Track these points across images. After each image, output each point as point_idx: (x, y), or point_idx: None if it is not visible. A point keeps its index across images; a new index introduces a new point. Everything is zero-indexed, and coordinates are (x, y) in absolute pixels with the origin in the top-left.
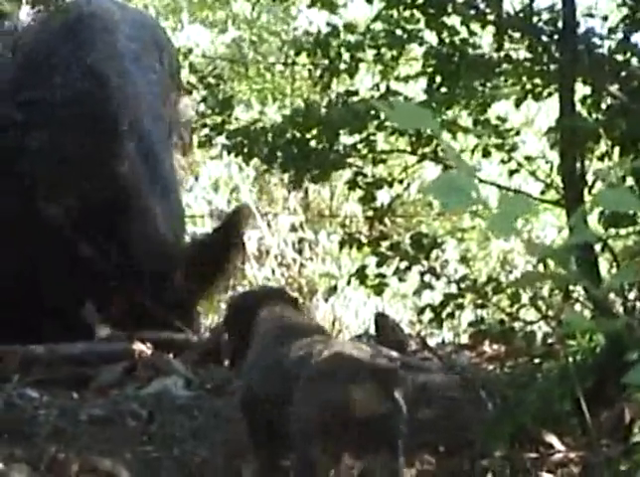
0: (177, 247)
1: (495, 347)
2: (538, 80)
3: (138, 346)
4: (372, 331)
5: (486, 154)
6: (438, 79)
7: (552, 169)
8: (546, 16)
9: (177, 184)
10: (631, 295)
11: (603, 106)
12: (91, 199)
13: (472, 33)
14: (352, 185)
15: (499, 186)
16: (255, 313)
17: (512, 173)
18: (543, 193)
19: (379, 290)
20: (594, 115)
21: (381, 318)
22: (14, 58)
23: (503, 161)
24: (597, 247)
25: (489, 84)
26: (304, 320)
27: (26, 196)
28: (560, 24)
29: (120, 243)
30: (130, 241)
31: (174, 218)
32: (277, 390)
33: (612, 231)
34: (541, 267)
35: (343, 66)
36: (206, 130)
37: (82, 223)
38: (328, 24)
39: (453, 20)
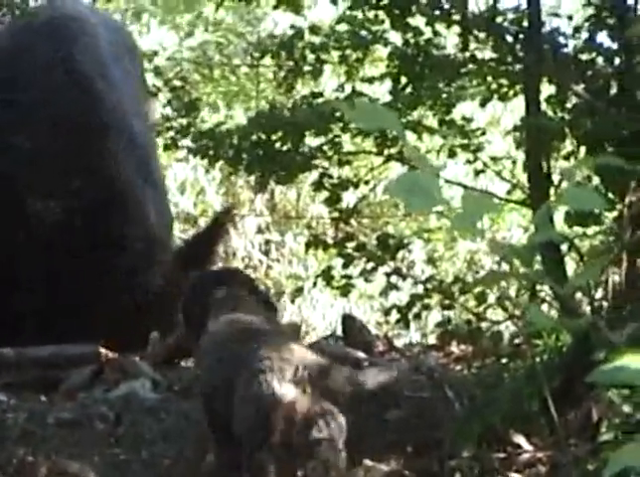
0: (165, 236)
1: (462, 347)
2: (503, 80)
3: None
4: (339, 332)
5: (452, 154)
6: (403, 79)
7: (514, 166)
8: (511, 16)
9: (164, 183)
10: (598, 295)
11: (569, 106)
12: (78, 197)
13: (437, 33)
14: (318, 186)
15: (465, 186)
16: (210, 296)
17: (478, 173)
18: (509, 193)
19: (345, 291)
20: (560, 114)
21: (348, 319)
22: None
23: (469, 161)
24: (564, 247)
25: (454, 85)
26: (258, 315)
27: (8, 195)
28: (525, 24)
29: (108, 238)
30: (120, 236)
31: (164, 214)
32: (223, 387)
33: (578, 230)
34: (507, 267)
35: (307, 67)
36: (171, 133)
37: (68, 221)
38: (292, 26)
39: (418, 21)
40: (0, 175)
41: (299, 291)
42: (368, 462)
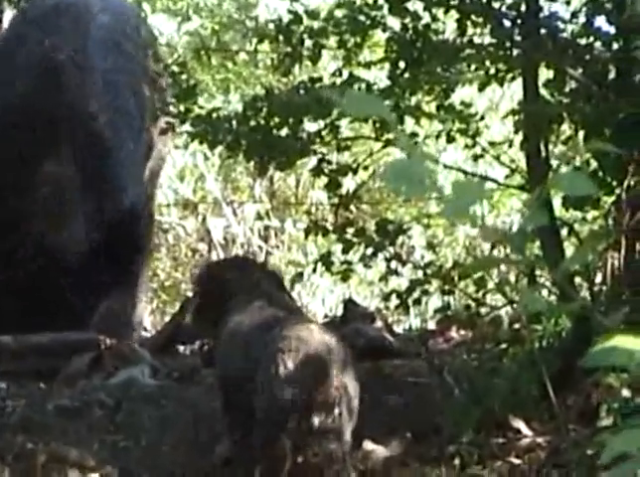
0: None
1: (462, 332)
2: (501, 65)
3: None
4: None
5: (450, 139)
6: (402, 64)
7: (513, 151)
8: (509, 0)
9: (140, 176)
10: (597, 279)
11: (567, 90)
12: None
13: (435, 18)
14: (317, 172)
15: (464, 171)
16: (226, 286)
17: (476, 158)
18: (507, 177)
19: (345, 276)
20: (558, 99)
21: (349, 304)
22: None
23: (467, 146)
24: (563, 232)
25: (452, 70)
26: (280, 299)
27: None
28: (522, 8)
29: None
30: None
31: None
32: (248, 370)
33: (578, 214)
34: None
35: (306, 52)
36: (169, 118)
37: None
38: (290, 11)
39: (416, 6)
40: None
41: (299, 277)
42: (367, 446)
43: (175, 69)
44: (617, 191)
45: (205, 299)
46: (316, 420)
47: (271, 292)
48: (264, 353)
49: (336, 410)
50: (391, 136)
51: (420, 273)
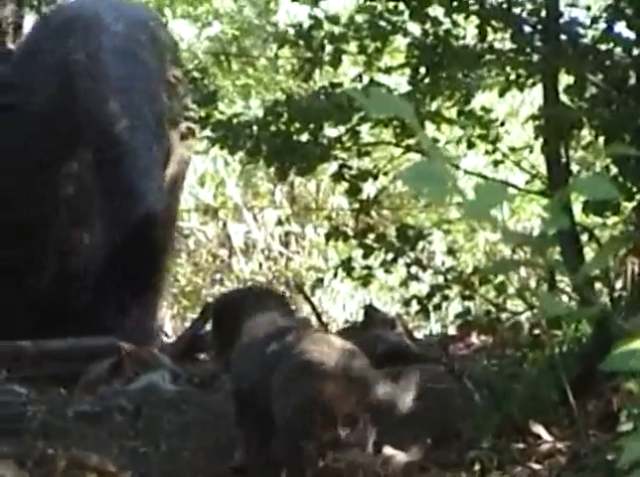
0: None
1: (482, 338)
2: (521, 71)
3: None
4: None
5: (471, 145)
6: (422, 70)
7: (534, 157)
8: (529, 6)
9: (159, 181)
10: (618, 285)
11: (587, 96)
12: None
13: (456, 24)
14: (337, 177)
15: (484, 177)
16: (241, 310)
17: (497, 164)
18: (528, 183)
19: (365, 282)
20: (578, 104)
21: (370, 310)
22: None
23: (488, 152)
24: (583, 237)
25: (473, 75)
26: (292, 318)
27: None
28: (543, 14)
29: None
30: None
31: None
32: (263, 380)
33: (598, 220)
34: (522, 255)
35: (326, 57)
36: (189, 123)
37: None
38: (310, 16)
39: (437, 11)
40: None
41: (319, 283)
42: (388, 452)
43: (196, 74)
44: (638, 196)
45: (221, 327)
46: (340, 433)
47: (284, 310)
48: (285, 362)
49: (360, 422)
50: (411, 142)
51: (441, 279)
